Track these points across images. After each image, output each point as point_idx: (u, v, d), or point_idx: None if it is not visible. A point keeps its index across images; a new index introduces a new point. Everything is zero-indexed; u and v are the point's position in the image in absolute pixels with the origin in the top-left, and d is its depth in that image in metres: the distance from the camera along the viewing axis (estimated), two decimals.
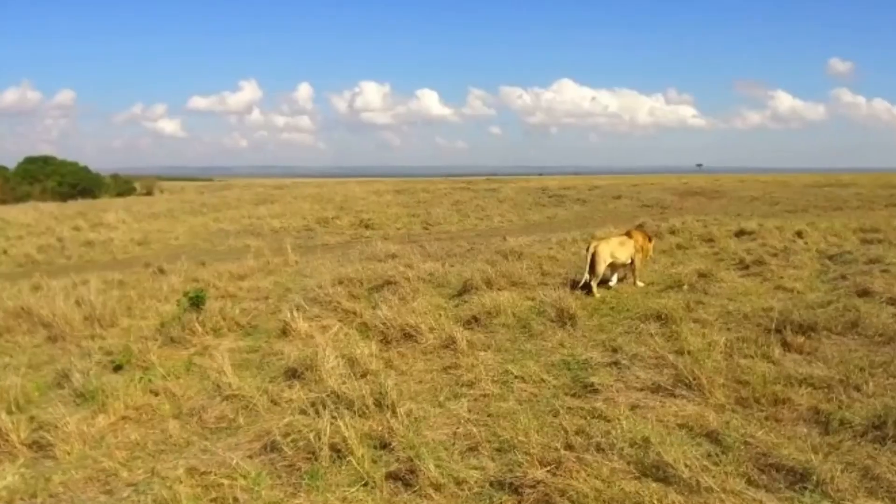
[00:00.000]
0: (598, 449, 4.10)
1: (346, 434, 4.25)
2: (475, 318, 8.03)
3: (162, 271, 13.69)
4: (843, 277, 9.16)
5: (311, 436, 4.36)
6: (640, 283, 9.47)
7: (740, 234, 14.41)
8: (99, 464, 4.59)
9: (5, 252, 18.56)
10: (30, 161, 57.99)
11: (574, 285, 9.07)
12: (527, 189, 38.04)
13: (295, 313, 8.13)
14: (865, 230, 13.63)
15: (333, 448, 4.28)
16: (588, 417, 4.82)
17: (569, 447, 4.08)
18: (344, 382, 5.36)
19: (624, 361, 6.08)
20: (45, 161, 58.65)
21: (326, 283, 10.42)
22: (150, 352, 7.15)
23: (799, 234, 13.49)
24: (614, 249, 9.16)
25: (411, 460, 4.01)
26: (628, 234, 9.63)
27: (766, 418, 4.76)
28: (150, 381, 6.25)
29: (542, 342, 7.10)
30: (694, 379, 5.29)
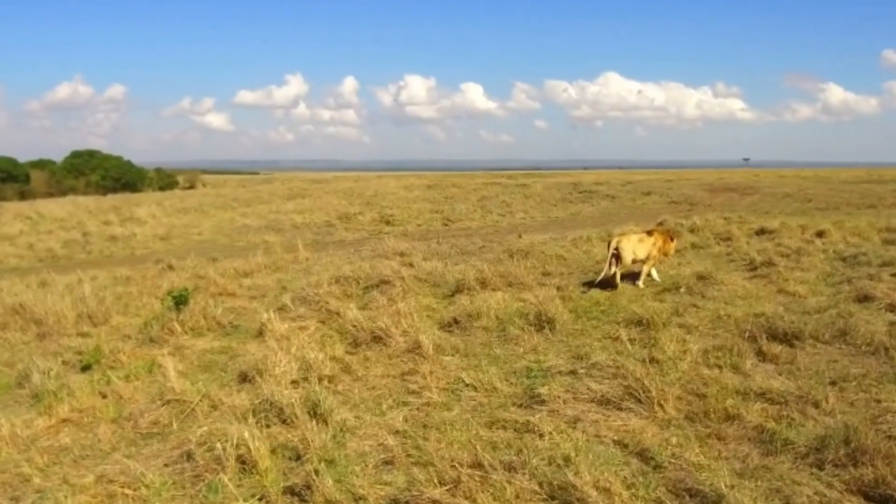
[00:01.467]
0: (509, 468, 3.88)
1: (252, 445, 4.13)
2: (455, 321, 7.85)
3: (171, 268, 13.85)
4: (849, 281, 8.72)
5: (222, 446, 4.25)
6: (640, 285, 9.21)
7: (761, 232, 13.89)
8: (18, 469, 4.59)
9: (31, 247, 19.05)
10: (75, 155, 59.81)
11: (593, 284, 9.07)
12: (558, 184, 37.41)
13: (273, 314, 8.05)
14: (891, 230, 12.95)
15: (241, 460, 4.17)
16: (521, 431, 4.61)
17: (476, 465, 3.87)
18: (278, 390, 5.23)
19: (581, 370, 5.81)
20: (91, 155, 60.40)
21: (324, 281, 10.35)
22: (121, 352, 7.19)
23: (820, 233, 12.91)
24: (635, 247, 9.15)
25: (309, 475, 3.86)
26: (649, 234, 9.56)
27: (710, 436, 4.47)
28: (107, 382, 6.25)
29: (514, 347, 6.90)
30: (644, 392, 5.02)
